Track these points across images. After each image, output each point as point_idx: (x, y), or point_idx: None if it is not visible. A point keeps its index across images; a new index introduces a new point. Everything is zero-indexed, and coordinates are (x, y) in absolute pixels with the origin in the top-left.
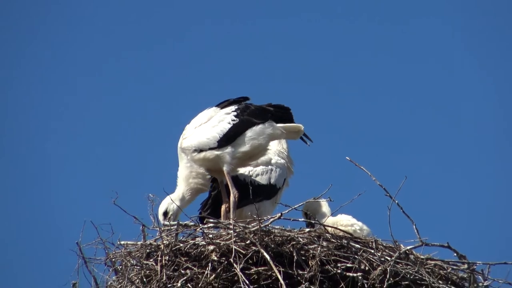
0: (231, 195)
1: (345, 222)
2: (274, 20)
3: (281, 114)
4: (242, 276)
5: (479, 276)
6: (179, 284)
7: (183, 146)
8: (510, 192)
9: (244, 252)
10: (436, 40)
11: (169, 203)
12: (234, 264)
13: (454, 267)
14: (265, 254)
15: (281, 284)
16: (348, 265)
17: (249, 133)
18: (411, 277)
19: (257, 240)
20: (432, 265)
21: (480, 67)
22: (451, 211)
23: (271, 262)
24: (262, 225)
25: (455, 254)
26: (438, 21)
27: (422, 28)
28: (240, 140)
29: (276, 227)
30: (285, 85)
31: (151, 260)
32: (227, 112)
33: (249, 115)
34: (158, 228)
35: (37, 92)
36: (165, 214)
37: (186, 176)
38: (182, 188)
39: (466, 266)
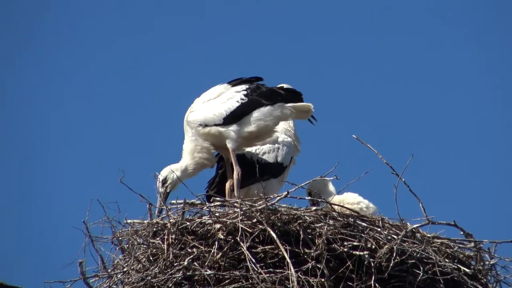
0: (234, 172)
1: (351, 200)
2: (274, 20)
3: (292, 98)
4: (249, 254)
5: (486, 255)
6: (185, 263)
7: (189, 119)
8: None
9: (250, 230)
10: (436, 40)
11: (170, 171)
12: (241, 243)
13: (461, 245)
14: (271, 232)
15: (287, 262)
16: (355, 243)
17: (256, 113)
18: (418, 256)
19: (263, 218)
20: (439, 243)
21: (480, 67)
22: (458, 189)
23: (277, 241)
24: (268, 204)
25: (461, 233)
26: (438, 21)
27: (422, 28)
28: (246, 119)
29: (283, 205)
30: (285, 80)
31: (158, 238)
32: (237, 91)
33: (259, 96)
34: (164, 207)
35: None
36: (164, 181)
37: (191, 149)
38: (186, 160)
39: (472, 244)
